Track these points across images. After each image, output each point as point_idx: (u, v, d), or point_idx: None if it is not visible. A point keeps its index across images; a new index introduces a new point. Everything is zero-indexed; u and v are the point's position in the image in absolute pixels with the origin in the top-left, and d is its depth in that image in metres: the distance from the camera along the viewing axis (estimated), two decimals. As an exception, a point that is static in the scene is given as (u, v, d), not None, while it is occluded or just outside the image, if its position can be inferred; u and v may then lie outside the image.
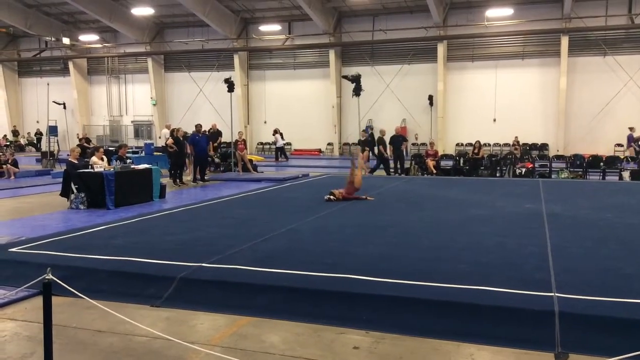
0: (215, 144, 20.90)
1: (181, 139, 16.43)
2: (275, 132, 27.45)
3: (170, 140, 16.28)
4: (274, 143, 27.71)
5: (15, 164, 18.98)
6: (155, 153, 20.74)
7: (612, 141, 24.64)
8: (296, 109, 30.17)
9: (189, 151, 16.83)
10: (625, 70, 24.53)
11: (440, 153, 21.76)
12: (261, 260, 6.39)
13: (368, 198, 11.66)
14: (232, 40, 30.44)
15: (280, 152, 27.07)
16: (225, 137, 24.68)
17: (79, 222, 9.58)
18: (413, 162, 20.05)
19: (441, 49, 26.97)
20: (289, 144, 29.77)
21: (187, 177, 16.80)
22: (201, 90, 32.08)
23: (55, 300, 4.11)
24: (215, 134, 21.60)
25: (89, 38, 33.72)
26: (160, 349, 4.41)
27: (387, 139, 19.60)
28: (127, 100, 34.91)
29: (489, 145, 25.93)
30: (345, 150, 29.64)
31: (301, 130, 29.71)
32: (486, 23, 26.04)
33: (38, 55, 36.29)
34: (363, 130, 21.44)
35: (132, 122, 34.72)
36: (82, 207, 11.28)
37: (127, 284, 5.85)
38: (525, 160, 19.52)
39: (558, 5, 25.24)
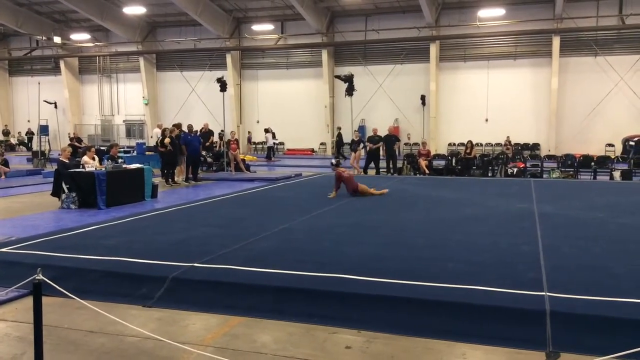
0: (208, 144, 20.83)
1: (174, 137, 16.35)
2: (267, 131, 27.50)
3: (167, 140, 16.10)
4: (266, 142, 27.76)
5: (5, 163, 18.85)
6: (147, 153, 20.65)
7: (603, 141, 24.80)
8: (289, 108, 30.18)
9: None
10: (616, 71, 24.70)
11: (432, 153, 21.80)
12: (254, 260, 6.38)
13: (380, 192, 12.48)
14: (225, 39, 30.40)
15: (269, 151, 27.17)
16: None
17: (70, 222, 9.52)
18: (405, 162, 20.07)
19: (433, 49, 27.05)
20: (281, 143, 29.80)
21: (179, 177, 16.73)
22: (193, 90, 32.01)
23: (46, 300, 4.09)
24: (207, 133, 21.52)
25: (80, 37, 33.55)
26: (151, 349, 4.40)
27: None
28: (119, 99, 34.78)
29: (481, 145, 26.03)
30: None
31: (294, 130, 29.74)
32: (478, 23, 26.13)
33: (29, 54, 36.06)
34: (356, 130, 21.48)
35: (123, 121, 34.58)
36: (73, 206, 11.22)
37: (118, 284, 5.82)
38: (517, 160, 19.60)
39: (549, 6, 25.38)
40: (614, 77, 24.77)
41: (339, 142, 26.23)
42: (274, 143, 27.60)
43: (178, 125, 17.00)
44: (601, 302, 4.85)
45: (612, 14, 24.74)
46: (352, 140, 20.75)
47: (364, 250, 6.97)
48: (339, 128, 26.75)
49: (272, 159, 26.73)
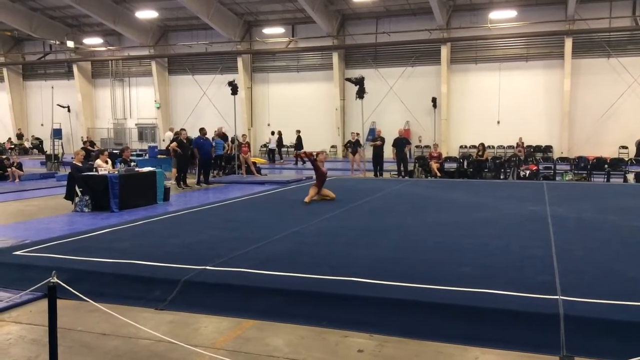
0: (228, 152, 20.73)
1: (185, 141, 16.46)
2: (272, 133, 27.67)
3: (174, 144, 16.25)
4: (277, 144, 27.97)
5: (20, 166, 19.03)
6: (159, 156, 20.78)
7: (616, 143, 24.60)
8: (300, 111, 30.22)
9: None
10: (629, 72, 24.50)
11: (444, 155, 21.73)
12: (265, 262, 6.39)
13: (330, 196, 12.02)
14: (236, 43, 30.52)
15: (272, 154, 27.35)
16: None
17: (84, 225, 9.59)
18: (417, 165, 20.02)
19: (444, 51, 26.98)
20: (291, 146, 29.84)
21: (191, 179, 16.82)
22: (205, 93, 32.16)
23: (60, 303, 4.12)
24: (223, 137, 21.43)
25: (93, 41, 33.87)
26: (164, 352, 4.42)
27: (390, 141, 19.65)
28: (131, 103, 35.04)
29: (493, 147, 25.90)
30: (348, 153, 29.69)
31: (304, 133, 29.75)
32: (490, 25, 26.05)
33: (42, 59, 36.45)
34: (353, 132, 21.72)
35: (136, 125, 34.84)
36: (86, 209, 11.30)
37: (131, 287, 5.85)
38: (529, 162, 19.46)
39: (562, 7, 25.22)
40: (627, 78, 24.56)
41: (279, 144, 27.63)
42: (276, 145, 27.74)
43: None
44: (616, 306, 4.80)
45: (625, 14, 24.54)
46: (349, 142, 20.73)
47: (375, 253, 6.96)
48: (280, 132, 27.67)
49: (277, 161, 26.94)
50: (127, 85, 34.98)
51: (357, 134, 20.69)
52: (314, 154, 12.50)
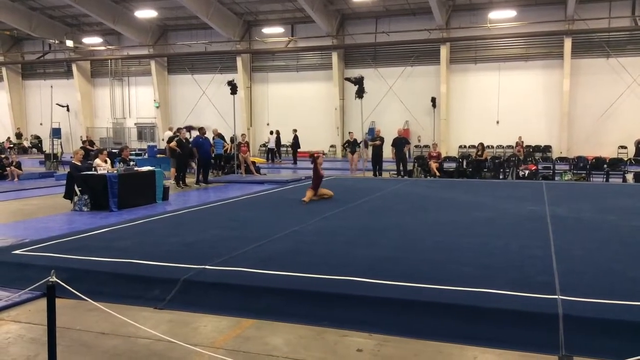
0: (227, 150, 20.78)
1: (184, 140, 16.46)
2: (271, 132, 27.74)
3: (174, 144, 16.27)
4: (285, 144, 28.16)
5: (19, 166, 19.02)
6: (158, 155, 20.77)
7: (615, 143, 24.61)
8: (299, 111, 30.22)
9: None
10: (628, 72, 24.52)
11: (443, 155, 21.73)
12: (264, 262, 6.39)
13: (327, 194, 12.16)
14: (235, 42, 30.52)
15: (271, 153, 27.40)
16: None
17: (83, 224, 9.59)
18: (416, 164, 20.02)
19: (444, 51, 26.99)
20: (288, 145, 29.86)
21: (190, 179, 16.82)
22: (204, 93, 32.15)
23: (58, 302, 4.11)
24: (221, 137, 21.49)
25: (92, 40, 33.85)
26: (163, 351, 4.41)
27: (389, 140, 19.67)
28: (131, 102, 35.02)
29: (492, 147, 25.92)
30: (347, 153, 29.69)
31: (304, 133, 29.74)
32: (489, 25, 26.05)
33: (42, 58, 36.40)
34: (350, 132, 21.74)
35: (135, 124, 34.81)
36: (85, 209, 11.29)
37: (130, 286, 5.85)
38: (529, 162, 19.46)
39: (561, 7, 25.24)
40: (627, 78, 24.58)
41: (277, 143, 27.87)
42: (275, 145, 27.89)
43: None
44: (615, 306, 4.80)
45: (625, 15, 24.56)
46: (347, 141, 20.74)
47: (374, 252, 6.96)
48: (278, 132, 27.89)
49: (276, 160, 27.04)
50: (126, 85, 34.97)
51: (351, 133, 20.97)
52: (315, 155, 12.54)
